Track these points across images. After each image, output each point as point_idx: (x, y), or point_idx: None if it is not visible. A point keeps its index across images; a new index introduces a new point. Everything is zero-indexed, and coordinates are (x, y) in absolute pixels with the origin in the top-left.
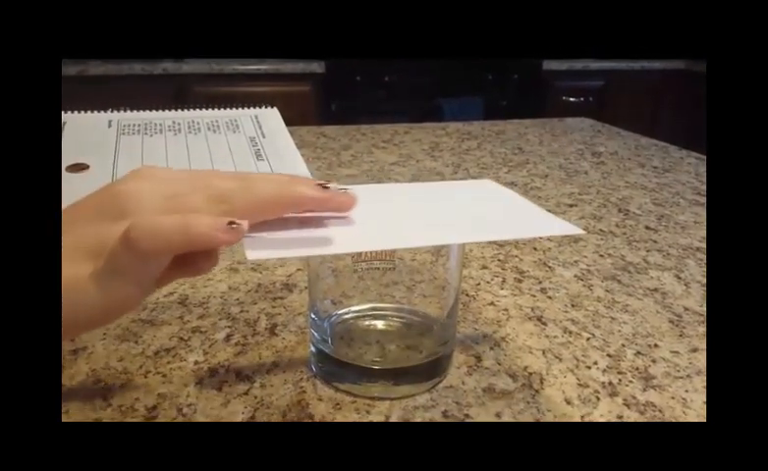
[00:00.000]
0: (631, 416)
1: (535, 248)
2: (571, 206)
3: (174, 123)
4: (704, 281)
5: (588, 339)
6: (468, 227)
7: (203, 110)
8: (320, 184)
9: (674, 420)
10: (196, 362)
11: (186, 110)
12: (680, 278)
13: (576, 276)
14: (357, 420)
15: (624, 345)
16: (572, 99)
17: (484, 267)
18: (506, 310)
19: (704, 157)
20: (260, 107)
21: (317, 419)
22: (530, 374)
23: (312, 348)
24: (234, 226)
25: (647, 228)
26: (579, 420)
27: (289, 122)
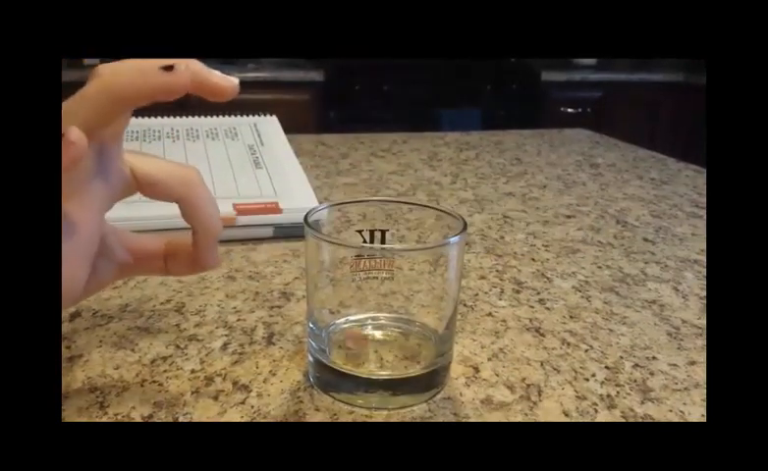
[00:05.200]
0: None
1: (534, 259)
2: (569, 217)
3: (172, 129)
4: (702, 293)
5: (587, 350)
6: None
7: (202, 117)
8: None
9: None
10: (193, 371)
11: (184, 117)
12: (678, 290)
13: (574, 287)
14: None
15: (622, 357)
16: (569, 110)
17: (482, 277)
18: (504, 321)
19: (702, 169)
20: (259, 115)
21: None
22: (528, 385)
23: (310, 358)
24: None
25: (645, 239)
26: None
27: (287, 130)
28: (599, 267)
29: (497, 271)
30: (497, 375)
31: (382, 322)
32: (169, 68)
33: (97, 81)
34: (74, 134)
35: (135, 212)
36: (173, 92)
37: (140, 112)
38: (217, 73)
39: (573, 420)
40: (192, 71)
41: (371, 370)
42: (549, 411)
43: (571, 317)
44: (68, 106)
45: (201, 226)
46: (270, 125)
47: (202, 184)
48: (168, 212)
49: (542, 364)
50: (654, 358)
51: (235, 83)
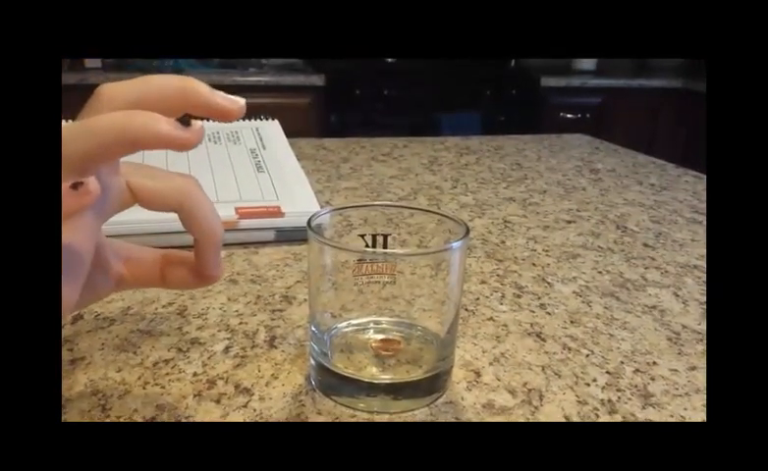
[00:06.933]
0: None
1: (534, 264)
2: (569, 222)
3: None
4: (702, 299)
5: (587, 355)
6: None
7: (204, 121)
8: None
9: None
10: (195, 374)
11: None
12: (678, 295)
13: (574, 292)
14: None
15: (623, 363)
16: (569, 115)
17: (483, 282)
18: (505, 325)
19: (701, 175)
20: (261, 119)
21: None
22: (530, 390)
23: (312, 361)
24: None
25: (645, 245)
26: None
27: (289, 134)
28: (599, 272)
29: (498, 275)
30: (498, 379)
31: (384, 326)
32: (186, 123)
33: (109, 120)
34: (92, 185)
35: (133, 216)
36: (184, 149)
37: None
38: (221, 94)
39: None
40: (196, 91)
41: (373, 374)
42: (550, 416)
43: (571, 322)
44: (71, 132)
45: (202, 234)
46: (272, 128)
47: (201, 193)
48: (167, 216)
49: (543, 369)
50: (655, 363)
51: (241, 104)
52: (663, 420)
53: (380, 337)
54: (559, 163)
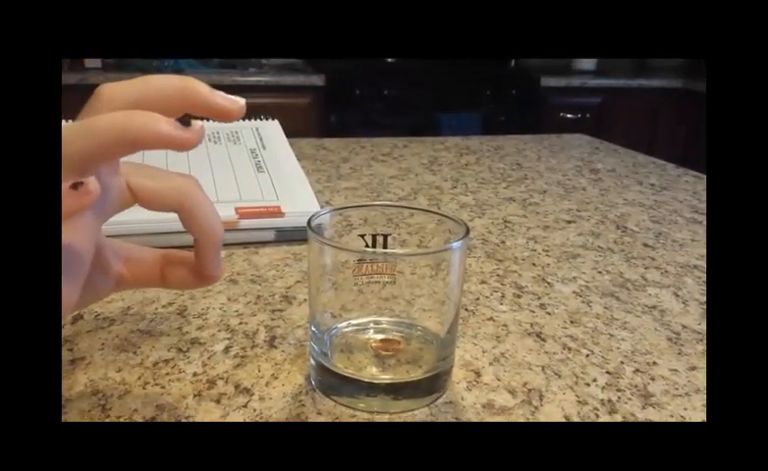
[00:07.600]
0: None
1: (534, 264)
2: (569, 222)
3: None
4: (702, 299)
5: (587, 355)
6: None
7: (204, 121)
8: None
9: None
10: (195, 374)
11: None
12: (678, 295)
13: (574, 292)
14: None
15: (623, 363)
16: (569, 116)
17: (483, 282)
18: (505, 326)
19: (701, 175)
20: (261, 119)
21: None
22: (530, 390)
23: (312, 361)
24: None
25: (645, 245)
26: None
27: (289, 134)
28: (599, 272)
29: (498, 275)
30: (498, 379)
31: (384, 326)
32: (187, 123)
33: (109, 120)
34: (92, 185)
35: (133, 216)
36: (184, 148)
37: None
38: (221, 94)
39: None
40: (196, 91)
41: (373, 374)
42: (550, 416)
43: (571, 322)
44: (71, 132)
45: (202, 234)
46: (272, 129)
47: (201, 193)
48: (167, 216)
49: (543, 369)
50: (655, 363)
51: (241, 104)
52: (663, 420)
53: (380, 337)
54: (559, 163)
